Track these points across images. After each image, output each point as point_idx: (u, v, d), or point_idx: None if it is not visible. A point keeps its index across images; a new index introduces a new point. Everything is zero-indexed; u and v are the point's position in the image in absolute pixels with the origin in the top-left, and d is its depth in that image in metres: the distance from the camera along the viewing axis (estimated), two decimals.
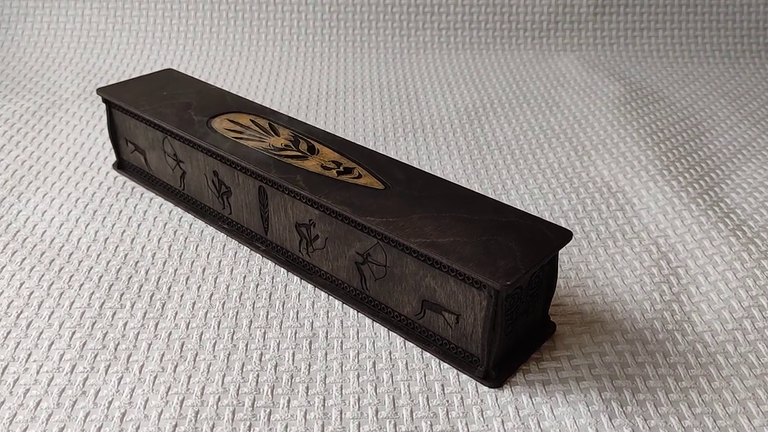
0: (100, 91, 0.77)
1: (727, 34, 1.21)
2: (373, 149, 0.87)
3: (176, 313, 0.61)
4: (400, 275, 0.57)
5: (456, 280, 0.53)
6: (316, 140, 0.68)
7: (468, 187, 0.80)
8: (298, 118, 0.95)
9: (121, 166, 0.81)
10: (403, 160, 0.86)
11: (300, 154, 0.65)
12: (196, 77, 1.04)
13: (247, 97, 1.01)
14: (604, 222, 0.74)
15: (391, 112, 0.99)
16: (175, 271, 0.66)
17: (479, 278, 0.50)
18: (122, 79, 1.07)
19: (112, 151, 0.84)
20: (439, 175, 0.81)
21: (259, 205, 0.66)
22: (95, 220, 0.73)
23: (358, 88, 1.06)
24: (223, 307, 0.62)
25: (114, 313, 0.61)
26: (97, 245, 0.69)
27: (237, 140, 0.67)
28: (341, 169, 0.63)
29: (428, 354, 0.57)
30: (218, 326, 0.60)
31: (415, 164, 0.85)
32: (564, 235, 0.55)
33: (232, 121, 0.71)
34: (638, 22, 1.21)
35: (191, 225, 0.73)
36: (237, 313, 0.61)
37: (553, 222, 0.68)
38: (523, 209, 0.75)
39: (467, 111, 0.99)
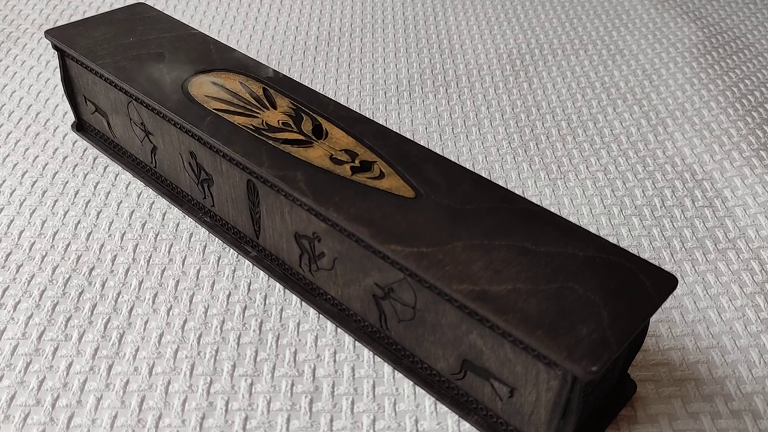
0: (48, 34, 0.60)
1: None
2: (395, 111, 0.70)
3: (137, 350, 0.46)
4: (434, 323, 0.42)
5: (514, 347, 0.38)
6: (323, 116, 0.51)
7: (515, 167, 0.64)
8: (299, 66, 0.78)
9: (81, 127, 0.65)
10: (432, 124, 0.69)
11: (302, 138, 0.49)
12: (175, 16, 0.87)
13: (239, 38, 0.84)
14: (689, 223, 0.58)
15: (418, 58, 0.81)
16: (140, 283, 0.51)
17: (551, 357, 0.35)
18: (93, 6, 0.89)
19: None
20: (477, 151, 0.65)
21: (249, 203, 0.50)
22: (44, 204, 0.58)
23: (378, 26, 0.88)
24: (198, 343, 0.47)
25: (56, 349, 0.46)
26: (42, 242, 0.54)
27: (220, 114, 0.51)
28: (357, 163, 0.47)
29: (467, 425, 0.43)
30: (190, 372, 0.45)
31: (447, 132, 0.68)
32: (665, 283, 0.39)
33: (215, 84, 0.54)
34: None
35: (164, 215, 0.57)
36: (216, 352, 0.47)
37: (619, 247, 0.52)
38: (585, 204, 0.59)
39: (511, 59, 0.81)
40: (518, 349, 0.37)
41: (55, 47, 0.60)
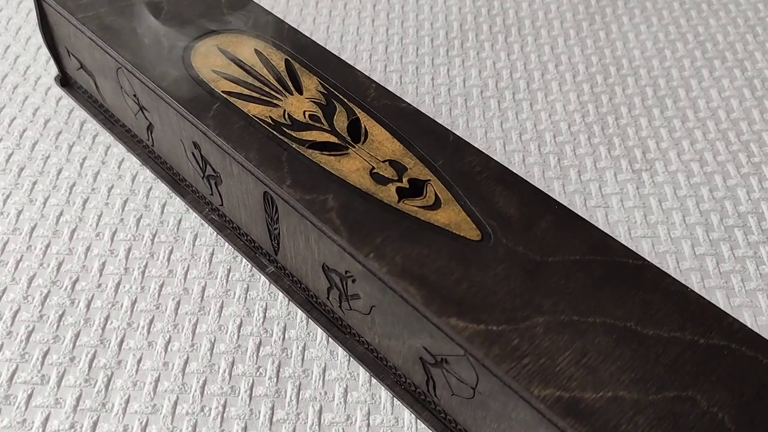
0: None
1: None
2: (443, 66, 0.57)
3: (127, 401, 0.38)
4: (500, 413, 0.33)
5: None
6: (361, 106, 0.40)
7: (591, 151, 0.52)
8: (329, 2, 0.64)
9: (66, 82, 0.54)
10: (489, 87, 0.57)
11: (335, 141, 0.38)
12: None
13: None
14: None
15: None
16: (133, 304, 0.42)
17: None
18: None
19: None
20: (544, 127, 0.54)
21: (266, 216, 0.40)
22: (20, 187, 0.48)
23: None
24: (202, 393, 0.39)
25: (30, 395, 0.38)
26: (17, 241, 0.45)
27: (230, 99, 0.40)
28: (405, 183, 0.36)
29: None
30: None
31: (507, 98, 0.56)
32: None
33: (225, 54, 0.43)
34: None
35: (164, 207, 0.47)
36: (224, 407, 0.38)
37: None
38: (677, 209, 0.48)
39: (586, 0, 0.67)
40: None
41: None
